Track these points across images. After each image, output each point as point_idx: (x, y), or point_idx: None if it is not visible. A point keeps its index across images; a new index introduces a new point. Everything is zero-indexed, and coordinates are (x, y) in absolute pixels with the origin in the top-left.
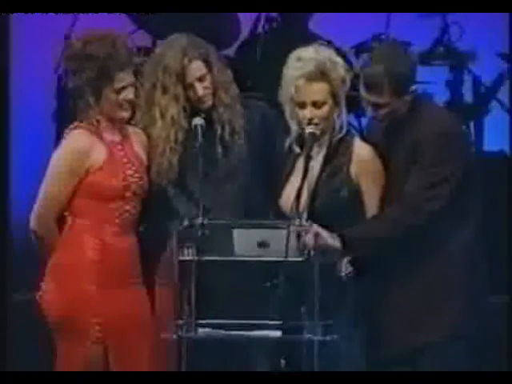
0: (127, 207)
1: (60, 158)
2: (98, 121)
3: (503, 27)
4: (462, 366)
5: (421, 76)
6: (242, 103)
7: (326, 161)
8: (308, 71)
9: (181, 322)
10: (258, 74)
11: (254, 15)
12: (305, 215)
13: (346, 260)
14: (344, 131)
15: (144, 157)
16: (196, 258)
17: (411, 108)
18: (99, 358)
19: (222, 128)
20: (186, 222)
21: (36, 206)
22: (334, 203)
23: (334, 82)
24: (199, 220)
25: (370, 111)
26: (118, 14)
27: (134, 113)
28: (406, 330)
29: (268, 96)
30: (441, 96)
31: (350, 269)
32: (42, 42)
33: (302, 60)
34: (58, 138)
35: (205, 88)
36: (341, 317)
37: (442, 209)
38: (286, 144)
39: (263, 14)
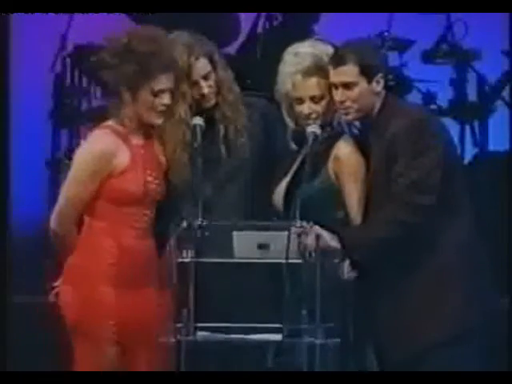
0: (145, 211)
1: (84, 159)
2: (129, 120)
3: (508, 25)
4: (465, 367)
5: (425, 74)
6: (244, 102)
7: (307, 158)
8: (305, 66)
9: (180, 325)
10: (258, 72)
11: (254, 13)
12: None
13: (347, 262)
14: (339, 129)
15: (163, 160)
16: (195, 259)
17: (384, 105)
18: (116, 360)
19: (226, 127)
20: (184, 224)
21: (57, 206)
22: (310, 200)
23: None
24: (198, 221)
25: (339, 95)
26: (117, 13)
27: (168, 118)
28: (409, 332)
29: (268, 94)
30: (444, 94)
31: (352, 272)
32: (41, 41)
33: (299, 55)
34: (57, 137)
35: (209, 86)
36: (342, 320)
37: (435, 201)
38: (284, 142)
39: (263, 13)
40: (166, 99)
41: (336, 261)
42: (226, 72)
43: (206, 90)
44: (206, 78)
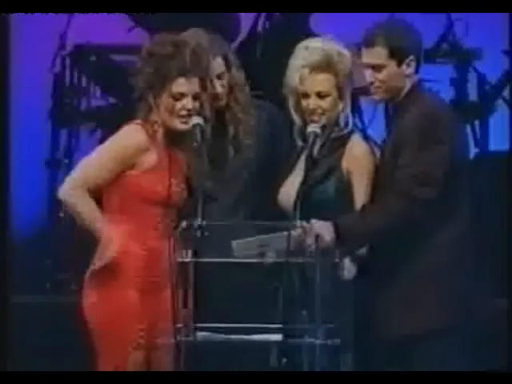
0: (169, 214)
1: (112, 144)
2: (157, 125)
3: (508, 25)
4: (453, 364)
5: (425, 74)
6: (253, 104)
7: (321, 157)
8: (314, 60)
9: (180, 325)
10: (258, 72)
11: (254, 13)
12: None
13: (348, 262)
14: (350, 127)
15: (185, 167)
16: (194, 259)
17: (412, 88)
18: (140, 363)
19: (235, 128)
20: (184, 224)
21: (70, 176)
22: (323, 200)
23: (340, 75)
24: (198, 221)
25: (368, 76)
26: (117, 13)
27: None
28: (393, 322)
29: (268, 94)
30: (445, 94)
31: (353, 271)
32: (41, 41)
33: (309, 49)
34: (56, 137)
35: (222, 86)
36: (342, 318)
37: (436, 196)
38: (290, 138)
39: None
40: (187, 104)
41: (336, 261)
42: (239, 73)
43: (219, 90)
44: (219, 77)
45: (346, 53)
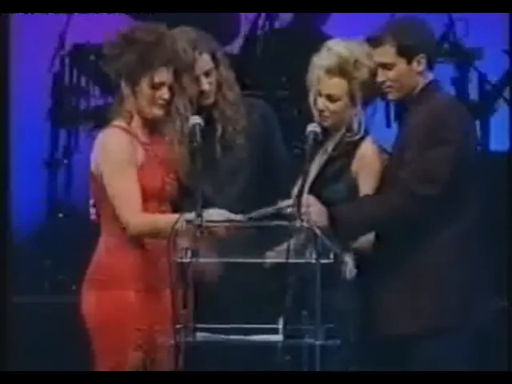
0: (163, 208)
1: (113, 160)
2: (131, 116)
3: (508, 25)
4: (453, 364)
5: None
6: (243, 102)
7: (330, 159)
8: (329, 64)
9: (179, 326)
10: (257, 72)
11: (254, 13)
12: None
13: (349, 262)
14: (362, 133)
15: (171, 157)
16: (193, 259)
17: (426, 87)
18: (139, 364)
19: (224, 127)
20: (183, 224)
21: (122, 216)
22: (334, 201)
23: (354, 82)
24: (197, 221)
25: (379, 75)
26: (117, 13)
27: (168, 112)
28: (394, 321)
29: (268, 94)
30: None
31: (354, 271)
32: (41, 41)
33: (329, 51)
34: (56, 136)
35: (209, 83)
36: (342, 318)
37: (437, 195)
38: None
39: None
40: (165, 93)
41: (337, 260)
42: (228, 71)
43: (206, 87)
44: (207, 74)
45: (368, 62)
